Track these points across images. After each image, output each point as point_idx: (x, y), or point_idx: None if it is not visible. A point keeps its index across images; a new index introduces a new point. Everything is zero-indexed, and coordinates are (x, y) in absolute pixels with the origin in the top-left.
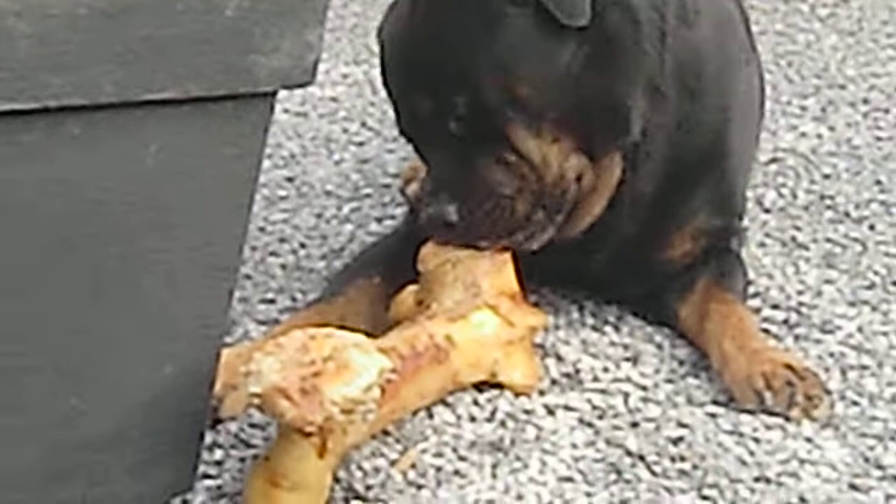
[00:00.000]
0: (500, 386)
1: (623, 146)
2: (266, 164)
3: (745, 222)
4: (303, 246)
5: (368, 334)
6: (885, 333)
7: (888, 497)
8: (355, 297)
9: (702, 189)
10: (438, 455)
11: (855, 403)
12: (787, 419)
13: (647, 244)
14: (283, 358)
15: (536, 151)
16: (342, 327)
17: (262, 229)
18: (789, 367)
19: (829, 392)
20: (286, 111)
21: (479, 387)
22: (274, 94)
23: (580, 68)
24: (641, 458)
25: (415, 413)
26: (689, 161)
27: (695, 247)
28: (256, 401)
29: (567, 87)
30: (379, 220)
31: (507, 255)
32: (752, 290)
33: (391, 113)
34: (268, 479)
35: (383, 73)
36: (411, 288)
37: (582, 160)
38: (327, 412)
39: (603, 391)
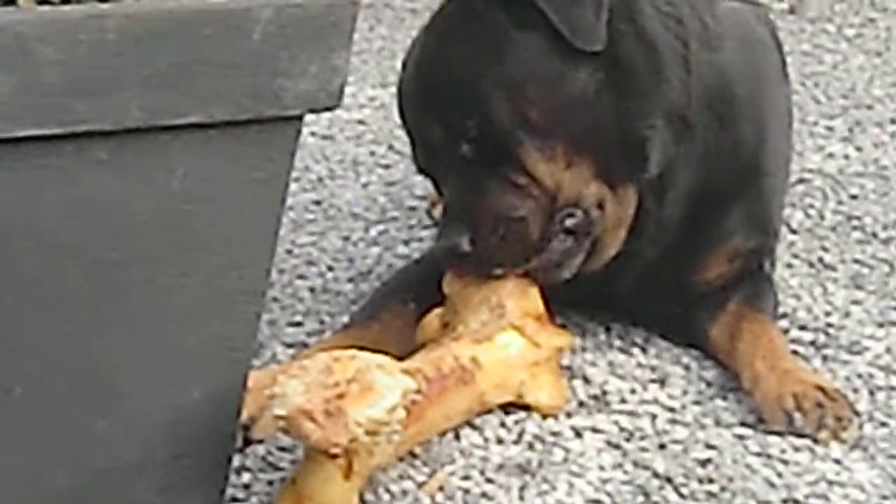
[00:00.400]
0: (527, 408)
1: (639, 179)
2: (293, 187)
3: None
4: (330, 269)
5: (397, 357)
6: None
7: None
8: (390, 323)
9: (736, 210)
10: (466, 478)
11: (883, 425)
12: (816, 441)
13: (680, 267)
14: (308, 380)
15: (549, 175)
16: (377, 353)
17: (289, 252)
18: (820, 388)
19: (858, 414)
20: (313, 134)
21: (507, 409)
22: (301, 117)
23: (594, 94)
24: (669, 480)
25: (441, 435)
26: (721, 184)
27: (730, 268)
28: (282, 423)
29: (580, 112)
30: (406, 243)
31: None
32: (779, 310)
33: None
34: (295, 501)
35: (399, 106)
36: (437, 311)
37: (602, 188)
38: (352, 434)
39: (630, 413)
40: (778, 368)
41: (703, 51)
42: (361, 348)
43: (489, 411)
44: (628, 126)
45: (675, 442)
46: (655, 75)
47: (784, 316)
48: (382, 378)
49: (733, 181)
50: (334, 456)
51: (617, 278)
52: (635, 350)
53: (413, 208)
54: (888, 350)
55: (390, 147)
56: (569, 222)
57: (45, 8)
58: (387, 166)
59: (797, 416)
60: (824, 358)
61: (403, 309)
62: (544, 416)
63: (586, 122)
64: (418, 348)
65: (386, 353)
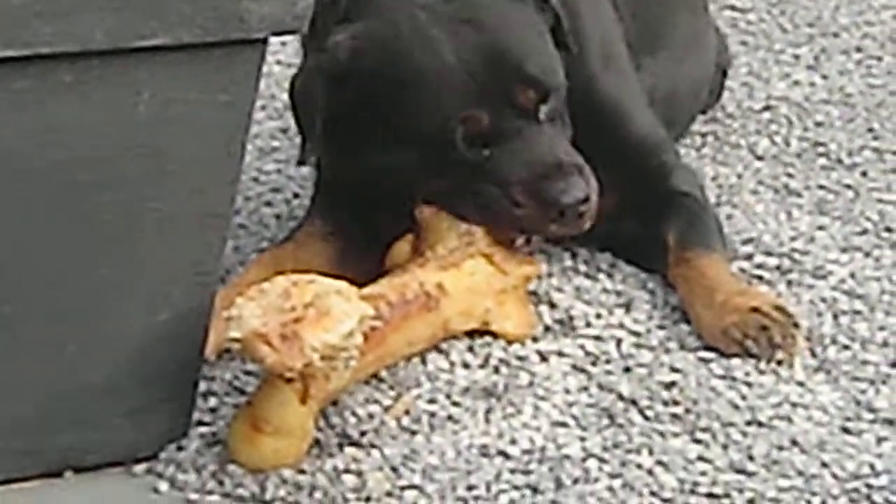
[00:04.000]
0: (493, 333)
1: None
2: (259, 115)
3: (739, 170)
4: (296, 196)
5: (351, 282)
6: (877, 279)
7: (879, 440)
8: (305, 240)
9: (594, 145)
10: (432, 401)
11: (846, 347)
12: (779, 363)
13: None
14: (265, 303)
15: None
16: (300, 271)
17: (255, 179)
18: (756, 310)
19: (797, 325)
20: (279, 63)
21: (473, 333)
22: (265, 40)
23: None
24: (634, 402)
25: (408, 360)
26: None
27: (615, 197)
28: (237, 346)
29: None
30: None
31: None
32: (744, 236)
33: None
34: (251, 423)
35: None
36: (407, 236)
37: None
38: (307, 358)
39: (596, 337)
40: (714, 303)
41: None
42: (283, 269)
43: (454, 337)
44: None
45: (640, 365)
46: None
47: (749, 241)
48: (340, 303)
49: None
50: (290, 380)
51: None
52: (601, 275)
53: None
54: (852, 275)
55: None
56: None
57: None
58: None
59: (749, 343)
60: (789, 283)
61: (312, 227)
62: (510, 342)
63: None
64: (386, 273)
65: (308, 268)
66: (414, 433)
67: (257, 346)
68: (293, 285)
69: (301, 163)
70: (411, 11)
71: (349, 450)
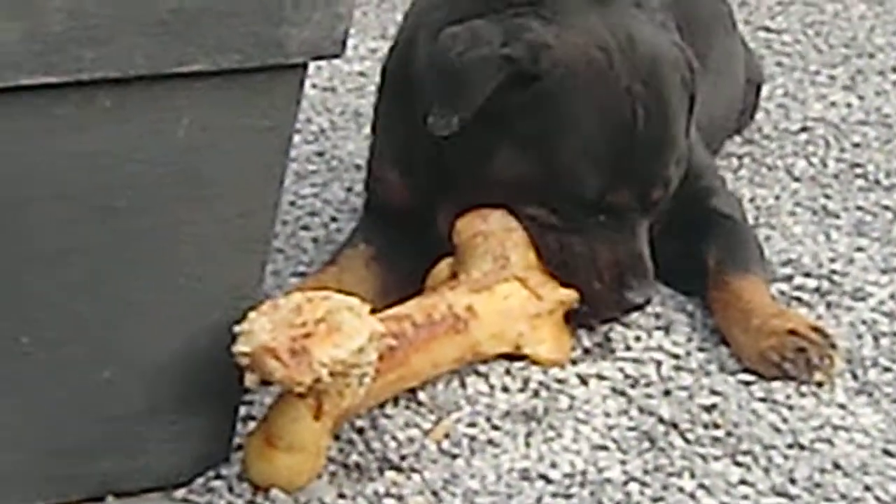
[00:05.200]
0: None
1: None
2: (296, 138)
3: (777, 191)
4: (333, 219)
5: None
6: None
7: None
8: (348, 265)
9: None
10: (472, 425)
11: (888, 370)
12: (819, 385)
13: None
14: (276, 318)
15: None
16: (342, 293)
17: (292, 203)
18: (793, 332)
19: (835, 346)
20: (314, 86)
21: (512, 357)
22: (305, 65)
23: None
24: (675, 425)
25: (446, 383)
26: None
27: (662, 221)
28: (246, 360)
29: None
30: None
31: None
32: (783, 258)
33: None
34: (265, 439)
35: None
36: (448, 259)
37: None
38: (315, 373)
39: (635, 360)
40: (750, 328)
41: None
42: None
43: (485, 361)
44: None
45: (681, 388)
46: None
47: (788, 263)
48: (351, 320)
49: None
50: (301, 395)
51: None
52: None
53: None
54: (892, 296)
55: None
56: None
57: None
58: None
59: (787, 366)
60: (828, 305)
61: (355, 251)
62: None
63: None
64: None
65: (350, 292)
66: (454, 457)
67: (266, 360)
68: (307, 301)
69: (433, 132)
70: (606, 40)
71: (389, 474)
